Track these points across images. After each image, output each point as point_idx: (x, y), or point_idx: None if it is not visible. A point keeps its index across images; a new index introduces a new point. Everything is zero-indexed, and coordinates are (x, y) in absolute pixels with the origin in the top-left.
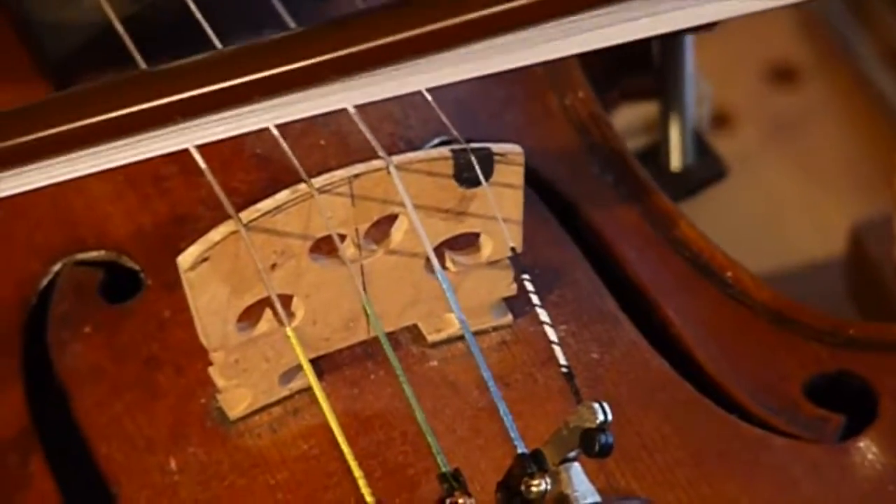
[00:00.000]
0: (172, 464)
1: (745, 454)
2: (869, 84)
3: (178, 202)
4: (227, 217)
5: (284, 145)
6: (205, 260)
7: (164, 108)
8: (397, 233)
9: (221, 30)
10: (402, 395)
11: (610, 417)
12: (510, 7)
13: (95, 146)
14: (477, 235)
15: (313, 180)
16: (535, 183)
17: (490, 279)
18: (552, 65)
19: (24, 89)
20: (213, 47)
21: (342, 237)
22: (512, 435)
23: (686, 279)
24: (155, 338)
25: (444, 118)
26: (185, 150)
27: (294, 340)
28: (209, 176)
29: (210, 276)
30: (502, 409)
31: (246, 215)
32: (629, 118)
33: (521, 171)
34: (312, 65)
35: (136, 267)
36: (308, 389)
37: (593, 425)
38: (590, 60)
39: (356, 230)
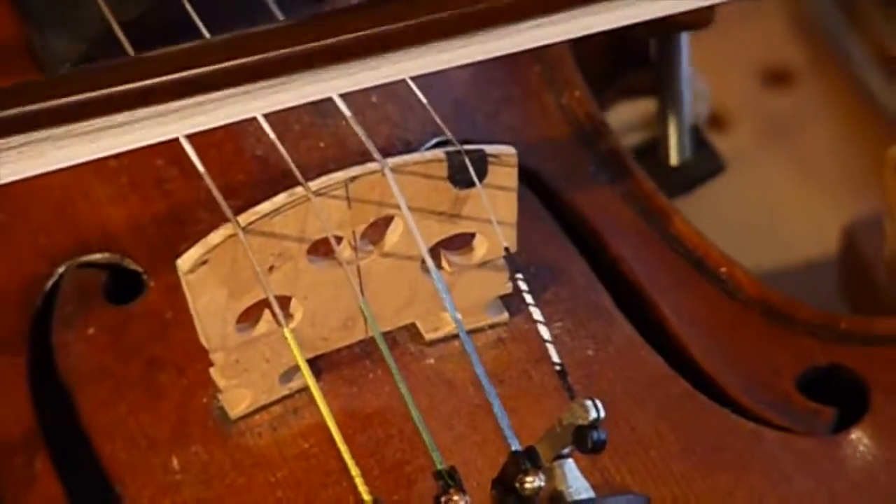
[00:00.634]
0: (175, 462)
1: (739, 448)
2: (861, 86)
3: (178, 205)
4: (225, 220)
5: (282, 149)
6: (204, 263)
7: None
8: (393, 234)
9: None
10: (400, 393)
11: (602, 414)
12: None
13: (87, 120)
14: (472, 236)
15: (310, 183)
16: (532, 181)
17: (485, 278)
18: (549, 64)
19: None
20: None
21: (339, 239)
22: (506, 432)
23: (681, 276)
24: (157, 339)
25: (438, 120)
26: (185, 154)
27: (292, 341)
28: (207, 179)
29: (209, 279)
30: (496, 406)
31: (244, 218)
32: (628, 114)
33: (514, 172)
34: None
35: (139, 269)
36: (308, 388)
37: (586, 422)
38: (587, 59)
39: (353, 232)
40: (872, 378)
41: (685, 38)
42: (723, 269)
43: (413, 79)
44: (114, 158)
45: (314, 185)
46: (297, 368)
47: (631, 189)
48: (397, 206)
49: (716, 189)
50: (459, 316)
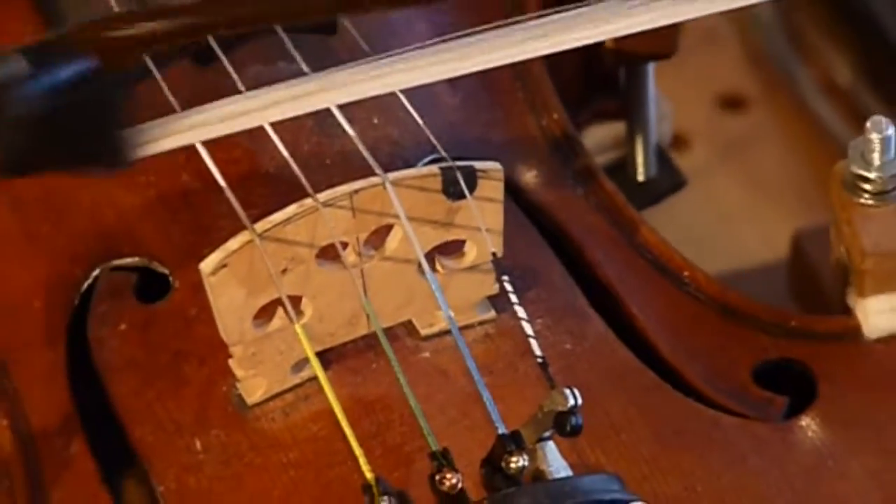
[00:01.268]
0: (198, 444)
1: (700, 432)
2: (808, 111)
3: (202, 215)
4: (243, 228)
5: (294, 165)
6: (224, 266)
7: None
8: (393, 241)
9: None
10: (399, 382)
11: (580, 402)
12: None
13: None
14: (463, 242)
15: (319, 195)
16: (516, 194)
17: (474, 280)
18: (531, 90)
19: None
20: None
21: (344, 245)
22: (494, 417)
23: (648, 279)
24: (182, 334)
25: (433, 139)
26: (208, 171)
27: (302, 336)
28: (228, 192)
29: (229, 280)
30: (485, 395)
31: (260, 226)
32: (600, 136)
33: (500, 185)
34: None
35: (166, 271)
36: (317, 378)
37: (565, 409)
38: (563, 86)
39: (357, 238)
40: (819, 370)
41: (651, 67)
42: (685, 273)
43: (410, 102)
44: (143, 176)
45: (322, 196)
46: (307, 360)
47: (603, 201)
48: (397, 216)
49: (678, 202)
50: (452, 314)
